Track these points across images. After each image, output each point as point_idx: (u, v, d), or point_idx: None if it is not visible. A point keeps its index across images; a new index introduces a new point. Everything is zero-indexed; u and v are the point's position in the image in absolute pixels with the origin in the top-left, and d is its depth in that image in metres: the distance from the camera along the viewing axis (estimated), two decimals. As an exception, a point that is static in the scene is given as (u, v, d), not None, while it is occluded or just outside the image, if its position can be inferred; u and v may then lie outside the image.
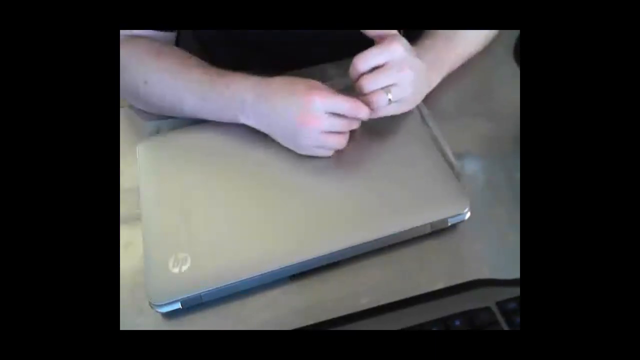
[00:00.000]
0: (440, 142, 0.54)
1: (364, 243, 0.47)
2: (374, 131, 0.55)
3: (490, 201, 0.51)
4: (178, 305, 0.45)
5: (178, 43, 0.82)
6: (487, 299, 0.43)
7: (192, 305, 0.46)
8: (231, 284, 0.45)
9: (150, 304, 0.45)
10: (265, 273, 0.46)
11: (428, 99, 0.57)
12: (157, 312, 0.45)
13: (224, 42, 0.70)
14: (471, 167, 0.54)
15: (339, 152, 0.53)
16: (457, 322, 0.42)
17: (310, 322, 0.44)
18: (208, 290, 0.45)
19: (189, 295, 0.45)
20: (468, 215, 0.49)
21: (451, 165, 0.51)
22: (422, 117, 0.56)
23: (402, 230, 0.47)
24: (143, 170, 0.54)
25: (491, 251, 0.48)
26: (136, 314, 0.46)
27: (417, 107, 0.57)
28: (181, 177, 0.53)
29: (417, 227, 0.48)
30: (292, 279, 0.47)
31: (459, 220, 0.49)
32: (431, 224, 0.48)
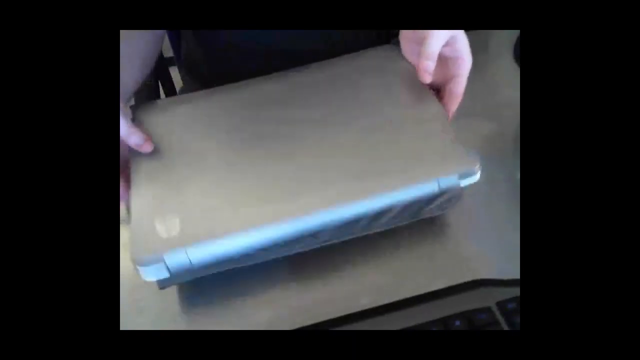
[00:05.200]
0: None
1: (369, 200, 0.45)
2: (383, 95, 0.54)
3: (490, 200, 0.51)
4: (166, 274, 0.43)
5: (179, 46, 0.82)
6: (487, 299, 0.43)
7: (181, 273, 0.43)
8: (221, 249, 0.44)
9: (135, 268, 0.43)
10: (258, 236, 0.44)
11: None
12: (144, 280, 0.43)
13: (222, 41, 0.70)
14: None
15: (346, 113, 0.52)
16: (457, 322, 0.42)
17: (310, 322, 0.44)
18: (197, 257, 0.43)
19: (176, 258, 0.43)
20: (478, 175, 0.46)
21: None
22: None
23: (410, 185, 0.45)
24: None
25: (491, 251, 0.48)
26: (136, 314, 0.46)
27: None
28: (174, 142, 0.52)
29: (425, 184, 0.45)
30: (292, 277, 0.47)
31: (470, 182, 0.46)
32: (439, 182, 0.45)
